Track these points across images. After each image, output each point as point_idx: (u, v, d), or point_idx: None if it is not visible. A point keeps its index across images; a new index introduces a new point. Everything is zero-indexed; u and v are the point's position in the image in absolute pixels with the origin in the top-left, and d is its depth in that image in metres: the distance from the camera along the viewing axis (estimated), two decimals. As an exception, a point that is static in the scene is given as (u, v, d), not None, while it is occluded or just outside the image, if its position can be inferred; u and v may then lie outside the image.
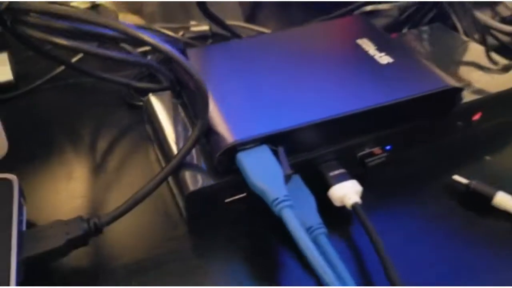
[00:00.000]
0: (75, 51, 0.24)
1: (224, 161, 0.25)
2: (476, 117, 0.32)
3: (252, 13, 0.50)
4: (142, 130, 0.33)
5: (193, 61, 0.30)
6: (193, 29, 0.44)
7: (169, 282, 0.24)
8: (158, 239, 0.26)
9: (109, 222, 0.24)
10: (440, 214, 0.28)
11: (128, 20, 0.48)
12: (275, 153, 0.25)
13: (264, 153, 0.24)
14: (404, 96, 0.27)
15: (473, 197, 0.28)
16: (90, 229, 0.24)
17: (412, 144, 0.31)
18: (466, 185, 0.28)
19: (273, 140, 0.25)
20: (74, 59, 0.39)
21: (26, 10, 0.22)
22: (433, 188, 0.29)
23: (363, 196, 0.26)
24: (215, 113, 0.26)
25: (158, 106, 0.30)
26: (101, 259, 0.25)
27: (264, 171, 0.23)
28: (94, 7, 0.52)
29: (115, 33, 0.23)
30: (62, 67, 0.39)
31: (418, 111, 0.29)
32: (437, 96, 0.28)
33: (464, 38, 0.38)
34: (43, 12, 0.21)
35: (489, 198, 0.27)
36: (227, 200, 0.26)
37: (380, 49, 0.31)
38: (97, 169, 0.31)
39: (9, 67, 0.38)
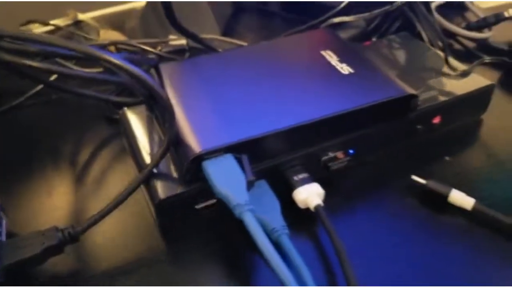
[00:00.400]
0: (47, 72, 0.26)
1: (192, 169, 0.26)
2: (436, 120, 0.34)
3: (229, 27, 0.52)
4: (120, 142, 0.35)
5: (165, 75, 0.32)
6: (171, 43, 0.45)
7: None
8: (134, 246, 0.28)
9: (83, 231, 0.26)
10: (400, 213, 0.29)
11: (110, 35, 0.49)
12: (240, 161, 0.26)
13: (228, 161, 0.26)
14: (363, 104, 0.29)
15: (431, 196, 0.29)
16: (65, 238, 0.25)
17: (374, 148, 0.32)
18: (424, 185, 0.29)
19: (238, 149, 0.26)
20: (52, 78, 0.41)
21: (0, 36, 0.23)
22: (394, 189, 0.31)
23: (328, 198, 0.28)
24: (183, 124, 0.27)
25: (133, 118, 0.32)
26: (78, 266, 0.27)
27: (227, 178, 0.25)
28: (77, 23, 0.53)
29: (77, 53, 0.24)
30: (40, 86, 0.40)
31: (377, 116, 0.30)
32: (394, 103, 0.30)
33: (428, 46, 0.40)
34: (16, 37, 0.23)
35: (445, 196, 0.29)
36: (197, 207, 0.28)
37: (341, 60, 0.33)
38: (76, 182, 0.32)
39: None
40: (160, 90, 0.24)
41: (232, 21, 0.53)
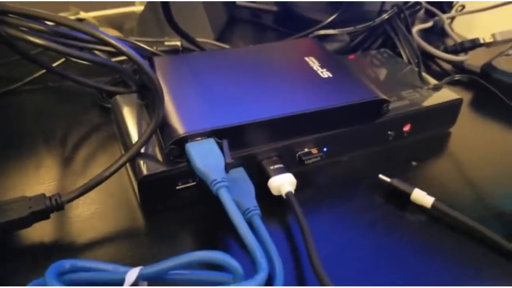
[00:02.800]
0: (48, 49, 0.28)
1: (175, 150, 0.28)
2: (406, 128, 0.36)
3: (224, 35, 0.55)
4: (111, 129, 0.37)
5: (158, 67, 0.34)
6: (166, 43, 0.48)
7: (121, 259, 0.27)
8: (115, 219, 0.29)
9: (69, 200, 0.28)
10: (366, 208, 0.31)
11: (108, 32, 0.52)
12: (220, 145, 0.28)
13: (210, 144, 0.28)
14: (337, 104, 0.32)
15: (395, 194, 0.32)
16: (52, 205, 0.27)
17: (348, 148, 0.35)
18: (389, 183, 0.32)
19: (220, 134, 0.29)
20: (55, 64, 0.43)
21: (6, 11, 0.25)
22: (363, 186, 0.33)
23: (301, 191, 0.30)
24: (170, 110, 0.30)
25: (124, 106, 0.34)
26: (62, 234, 0.28)
27: (207, 158, 0.27)
28: (79, 21, 0.56)
29: (85, 36, 0.27)
30: (42, 71, 0.43)
31: (349, 117, 0.33)
32: (366, 105, 0.32)
33: (406, 62, 0.43)
34: (22, 14, 0.25)
35: (408, 194, 0.31)
36: (178, 187, 0.30)
37: (322, 66, 0.36)
38: (65, 160, 0.34)
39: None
40: (151, 71, 0.27)
41: (226, 30, 0.56)
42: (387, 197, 0.32)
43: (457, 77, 0.42)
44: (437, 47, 0.49)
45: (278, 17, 0.59)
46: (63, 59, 0.44)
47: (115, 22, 0.56)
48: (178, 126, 0.28)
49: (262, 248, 0.24)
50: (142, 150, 0.30)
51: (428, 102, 0.37)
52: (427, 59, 0.50)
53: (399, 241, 0.29)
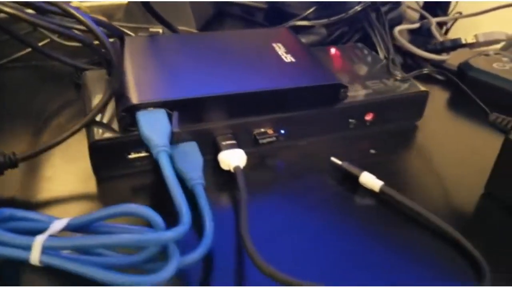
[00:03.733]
0: (15, 17, 0.29)
1: (126, 118, 0.29)
2: (369, 117, 0.37)
3: (211, 27, 0.56)
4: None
5: (127, 45, 0.36)
6: (150, 30, 0.49)
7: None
8: (68, 182, 0.31)
9: (23, 159, 0.29)
10: (314, 190, 0.32)
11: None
12: (171, 116, 0.29)
13: (160, 114, 0.29)
14: (293, 85, 0.32)
15: (347, 178, 0.32)
16: (5, 162, 0.28)
17: (306, 133, 0.35)
18: (340, 166, 0.32)
19: (172, 106, 0.30)
20: (40, 43, 0.45)
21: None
22: (316, 170, 0.33)
23: (255, 172, 0.31)
24: (129, 81, 0.31)
25: (91, 80, 0.35)
26: (15, 192, 0.29)
27: (154, 126, 0.28)
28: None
29: (48, 6, 0.28)
30: (27, 50, 0.44)
31: (307, 100, 0.33)
32: (322, 89, 0.33)
33: (378, 57, 0.43)
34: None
35: (356, 177, 0.31)
36: (131, 156, 0.31)
37: (288, 51, 0.36)
38: (34, 129, 0.36)
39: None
40: (107, 41, 0.28)
41: (214, 23, 0.57)
42: (338, 180, 0.32)
43: (426, 70, 0.42)
44: (418, 46, 0.49)
45: (268, 14, 0.60)
46: (47, 40, 0.46)
47: (106, 12, 0.58)
48: (131, 95, 0.29)
49: (204, 218, 0.25)
50: (99, 119, 0.31)
51: (391, 93, 0.37)
52: (408, 58, 0.50)
53: (343, 222, 0.29)
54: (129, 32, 0.48)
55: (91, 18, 0.30)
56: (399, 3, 0.51)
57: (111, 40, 0.32)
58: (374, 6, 0.43)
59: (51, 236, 0.22)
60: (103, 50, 0.35)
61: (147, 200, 0.30)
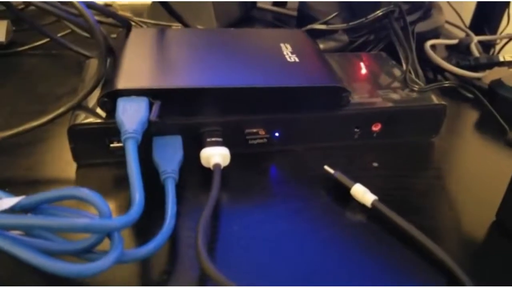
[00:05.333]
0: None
1: (107, 104, 0.28)
2: (376, 128, 0.34)
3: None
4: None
5: (132, 36, 0.35)
6: (173, 27, 0.49)
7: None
8: (47, 165, 0.30)
9: (3, 137, 0.29)
10: (303, 197, 0.29)
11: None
12: (152, 105, 0.28)
13: (140, 102, 0.28)
14: (290, 84, 0.30)
15: (338, 188, 0.29)
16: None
17: (303, 138, 0.33)
18: (332, 175, 0.29)
19: (155, 95, 0.28)
20: (61, 34, 0.46)
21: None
22: (309, 178, 0.31)
23: (239, 173, 0.30)
24: (118, 69, 0.30)
25: (91, 67, 0.35)
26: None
27: (129, 112, 0.27)
28: (106, 6, 0.60)
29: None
30: (46, 40, 0.45)
31: (304, 103, 0.31)
32: (321, 91, 0.31)
33: (400, 67, 0.40)
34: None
35: (348, 188, 0.29)
36: (112, 145, 0.30)
37: (294, 52, 0.34)
38: (32, 111, 0.36)
39: (4, 32, 0.45)
40: (97, 28, 0.27)
41: (237, 26, 0.56)
42: (329, 191, 0.30)
43: (447, 83, 0.38)
44: (449, 62, 0.46)
45: (298, 21, 0.58)
46: (68, 30, 0.46)
47: (136, 11, 0.58)
48: (115, 81, 0.29)
49: (166, 214, 0.24)
50: (91, 105, 0.30)
51: (403, 103, 0.34)
52: (438, 74, 0.47)
53: (327, 236, 0.27)
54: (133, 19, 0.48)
55: (86, 4, 0.29)
56: (429, 13, 0.48)
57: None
58: (399, 14, 0.40)
59: (-7, 212, 0.21)
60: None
61: (126, 191, 0.29)
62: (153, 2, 0.53)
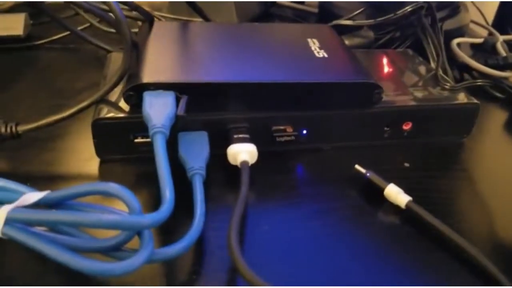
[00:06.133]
0: None
1: (133, 98, 0.27)
2: (407, 127, 0.33)
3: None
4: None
5: (154, 29, 0.34)
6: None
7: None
8: (70, 159, 0.29)
9: (25, 131, 0.28)
10: (333, 198, 0.28)
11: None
12: (179, 100, 0.27)
13: (167, 96, 0.27)
14: (319, 80, 0.29)
15: (371, 189, 0.28)
16: (6, 132, 0.27)
17: (332, 136, 0.32)
18: (365, 175, 0.28)
19: (182, 90, 0.27)
20: (80, 27, 0.45)
21: None
22: (339, 178, 0.30)
23: (266, 172, 0.29)
24: (143, 62, 0.29)
25: (114, 61, 0.34)
26: (14, 163, 0.29)
27: (157, 106, 0.26)
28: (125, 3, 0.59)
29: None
30: (66, 33, 0.45)
31: (334, 99, 0.30)
32: (352, 88, 0.30)
33: (428, 65, 0.39)
34: None
35: (382, 189, 0.27)
36: (136, 141, 0.29)
37: (321, 47, 0.33)
38: (50, 105, 0.35)
39: (22, 25, 0.45)
40: (125, 22, 0.26)
41: (257, 21, 0.55)
42: (360, 191, 0.29)
43: (480, 82, 0.37)
44: (476, 60, 0.44)
45: (320, 17, 0.57)
46: (87, 24, 0.46)
47: (155, 6, 0.57)
48: (141, 75, 0.28)
49: (197, 206, 0.23)
50: (114, 99, 0.29)
51: (435, 101, 0.33)
52: (465, 73, 0.45)
53: (359, 238, 0.25)
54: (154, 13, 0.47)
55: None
56: (457, 10, 0.46)
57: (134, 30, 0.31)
58: (429, 10, 0.39)
59: (19, 207, 0.20)
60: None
61: (150, 188, 0.28)
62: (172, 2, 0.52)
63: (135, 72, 0.28)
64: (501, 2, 0.61)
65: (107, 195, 0.20)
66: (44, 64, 0.42)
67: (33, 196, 0.21)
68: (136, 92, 0.27)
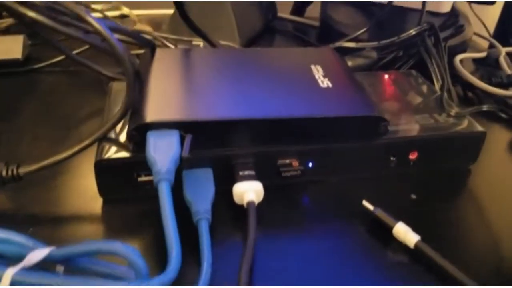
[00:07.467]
0: (37, 22, 0.28)
1: (136, 137, 0.27)
2: (413, 156, 0.32)
3: (257, 42, 0.54)
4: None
5: (156, 57, 0.34)
6: (192, 42, 0.48)
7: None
8: (72, 200, 0.29)
9: (26, 173, 0.27)
10: (340, 234, 0.28)
11: (141, 27, 0.53)
12: (183, 139, 0.27)
13: (171, 136, 0.26)
14: (326, 114, 0.29)
15: (379, 226, 0.28)
16: (7, 176, 0.27)
17: (338, 169, 0.31)
18: (372, 212, 0.28)
19: (187, 128, 0.27)
20: (75, 51, 0.44)
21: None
22: (346, 213, 0.29)
23: (272, 207, 0.28)
24: (145, 98, 0.29)
25: (116, 92, 0.34)
26: (14, 206, 0.28)
27: (161, 148, 0.25)
28: (123, 16, 0.58)
29: (66, 10, 0.27)
30: (63, 56, 0.44)
31: (341, 132, 0.30)
32: (359, 121, 0.29)
33: (432, 87, 0.38)
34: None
35: (390, 227, 0.27)
36: (140, 179, 0.28)
37: (325, 75, 0.33)
38: (56, 137, 0.34)
39: (21, 48, 0.44)
40: (123, 54, 0.26)
41: (259, 38, 0.55)
42: (368, 228, 0.28)
43: (485, 107, 0.36)
44: (481, 78, 0.44)
45: (320, 33, 0.56)
46: (87, 46, 0.45)
47: (154, 22, 0.57)
48: (144, 113, 0.27)
49: (204, 255, 0.22)
50: (114, 135, 0.29)
51: (442, 130, 0.32)
52: (468, 91, 0.45)
53: (366, 278, 0.25)
54: (169, 44, 0.46)
55: (106, 24, 0.27)
56: (462, 29, 0.46)
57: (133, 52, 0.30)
58: (432, 30, 0.38)
59: (24, 269, 0.20)
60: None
61: (154, 227, 0.27)
62: (173, 14, 0.52)
63: (138, 109, 0.28)
64: (502, 11, 0.61)
65: (112, 255, 0.20)
66: (45, 90, 0.41)
67: (38, 254, 0.20)
68: (139, 132, 0.27)
